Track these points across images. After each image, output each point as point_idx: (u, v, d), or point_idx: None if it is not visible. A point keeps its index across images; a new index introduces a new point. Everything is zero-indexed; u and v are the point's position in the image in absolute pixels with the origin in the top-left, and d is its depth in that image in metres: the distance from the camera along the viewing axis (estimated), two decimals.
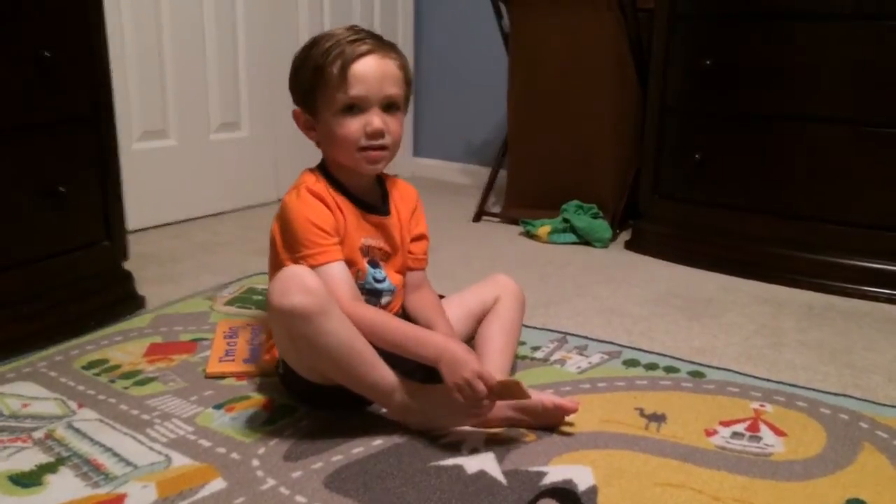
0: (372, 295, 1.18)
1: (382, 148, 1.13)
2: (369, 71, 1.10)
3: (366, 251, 1.17)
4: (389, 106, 1.13)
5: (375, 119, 1.11)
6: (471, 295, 1.29)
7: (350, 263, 1.14)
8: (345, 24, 2.86)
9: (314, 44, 1.13)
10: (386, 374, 1.07)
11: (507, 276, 1.31)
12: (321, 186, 1.14)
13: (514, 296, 1.28)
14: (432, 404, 1.08)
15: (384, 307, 1.19)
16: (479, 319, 1.28)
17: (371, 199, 1.19)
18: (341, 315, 1.03)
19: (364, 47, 1.10)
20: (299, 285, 1.01)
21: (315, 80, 1.11)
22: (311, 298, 1.00)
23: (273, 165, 2.56)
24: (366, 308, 1.09)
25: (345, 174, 1.16)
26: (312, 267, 1.07)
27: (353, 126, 1.11)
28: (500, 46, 2.46)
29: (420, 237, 1.27)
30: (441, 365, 1.03)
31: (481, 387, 1.01)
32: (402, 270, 1.24)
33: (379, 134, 1.11)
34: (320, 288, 1.02)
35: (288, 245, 1.11)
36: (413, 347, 1.06)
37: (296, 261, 1.08)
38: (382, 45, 1.13)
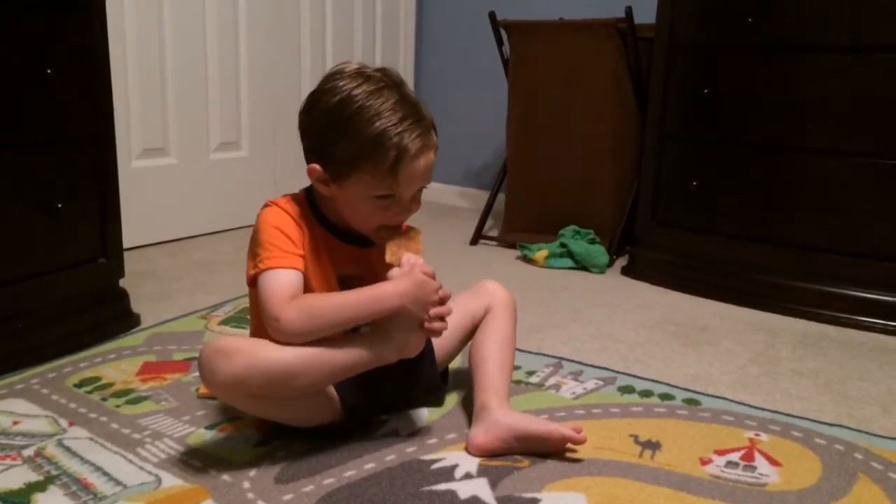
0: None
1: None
2: (418, 171, 1.07)
3: (343, 283, 1.14)
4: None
5: (405, 214, 1.11)
6: (459, 306, 1.25)
7: None
8: (346, 45, 2.88)
9: (358, 110, 1.04)
10: (349, 352, 1.04)
11: (497, 282, 1.28)
12: (294, 210, 1.11)
13: (506, 305, 1.26)
14: (394, 331, 1.07)
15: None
16: (469, 331, 1.25)
17: (355, 231, 1.15)
18: (273, 343, 1.01)
19: (418, 142, 1.05)
20: (217, 355, 0.98)
21: (360, 157, 1.04)
22: (235, 360, 0.98)
23: (272, 185, 2.57)
24: (302, 298, 1.03)
25: (335, 215, 1.13)
26: (269, 269, 1.04)
27: (382, 213, 1.09)
28: (500, 71, 2.48)
29: None
30: (405, 309, 1.05)
31: (441, 291, 1.08)
32: None
33: (405, 219, 1.12)
34: (235, 341, 1.01)
35: (252, 253, 1.09)
36: (368, 311, 1.04)
37: (256, 267, 1.05)
38: (429, 130, 1.08)
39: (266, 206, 1.12)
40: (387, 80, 1.09)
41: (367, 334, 1.08)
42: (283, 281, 1.03)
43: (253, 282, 1.06)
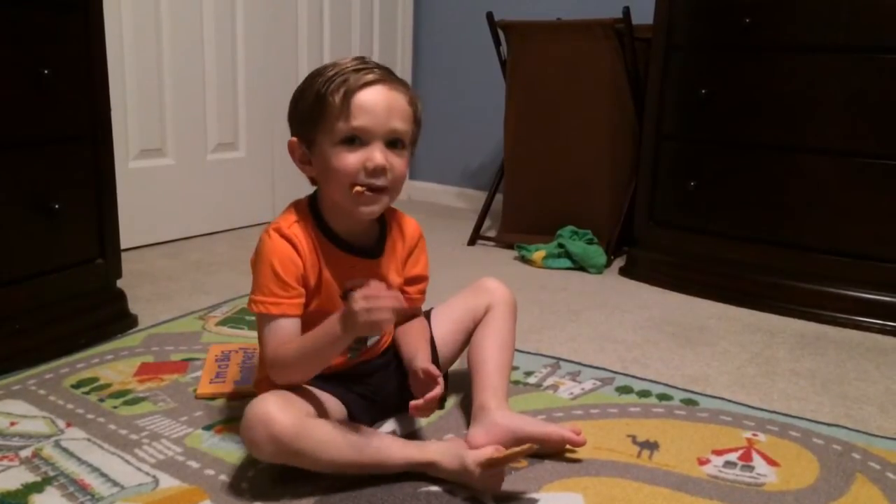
0: (357, 340, 1.11)
1: (380, 190, 1.04)
2: (375, 101, 1.02)
3: (349, 294, 1.09)
4: (394, 142, 1.04)
5: (377, 154, 1.02)
6: (460, 305, 1.25)
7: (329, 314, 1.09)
8: (343, 45, 2.90)
9: (318, 73, 1.06)
10: (397, 451, 1.03)
11: (496, 280, 1.27)
12: (297, 230, 1.06)
13: (506, 303, 1.24)
14: (450, 467, 1.02)
15: (370, 347, 1.16)
16: (470, 330, 1.24)
17: (363, 240, 1.11)
18: (321, 427, 0.99)
19: (370, 76, 1.02)
20: (265, 435, 0.95)
21: (315, 108, 1.03)
22: (282, 445, 0.95)
23: (270, 186, 2.57)
24: (287, 347, 1.03)
25: (337, 216, 1.09)
26: (266, 315, 1.04)
27: (351, 159, 1.02)
28: (497, 72, 2.48)
29: (417, 279, 1.20)
30: (344, 325, 0.96)
31: (371, 290, 0.95)
32: None
33: (380, 171, 1.02)
34: (289, 423, 0.95)
35: (253, 285, 1.06)
36: (331, 342, 0.99)
37: (253, 303, 1.04)
38: (391, 76, 1.06)
39: (266, 233, 1.07)
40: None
41: (410, 442, 1.06)
42: (278, 332, 1.03)
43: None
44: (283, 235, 1.06)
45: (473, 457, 0.99)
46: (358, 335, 1.01)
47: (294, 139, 1.09)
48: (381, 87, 1.03)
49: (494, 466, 0.99)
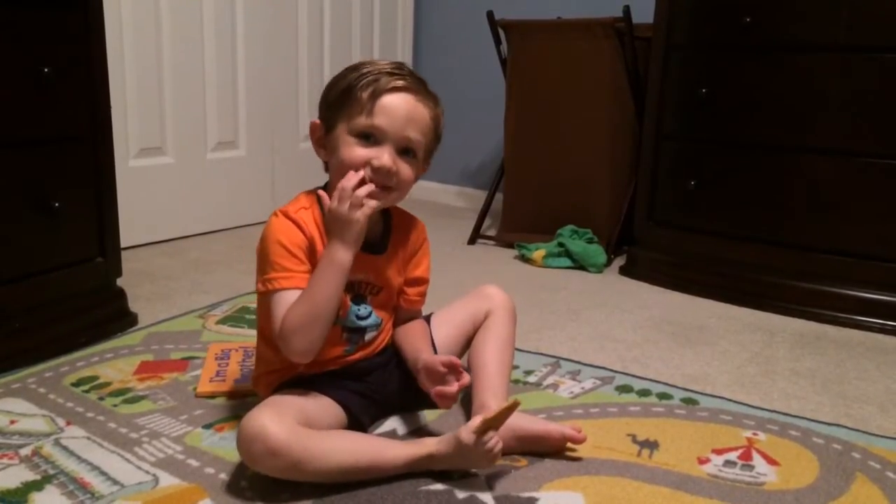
0: (355, 332, 1.13)
1: (385, 187, 1.07)
2: (398, 106, 1.06)
3: (350, 287, 1.11)
4: (407, 150, 1.08)
5: (385, 156, 1.05)
6: (460, 311, 1.26)
7: None
8: (343, 45, 2.90)
9: (354, 67, 1.10)
10: (395, 451, 1.02)
11: (497, 286, 1.28)
12: (305, 216, 1.08)
13: (506, 309, 1.25)
14: (448, 451, 1.02)
15: (368, 343, 1.16)
16: (470, 335, 1.25)
17: (367, 235, 1.07)
18: (319, 435, 0.99)
19: (401, 82, 1.07)
20: (263, 449, 0.94)
21: (342, 97, 1.08)
22: (280, 458, 0.94)
23: (269, 185, 2.56)
24: (295, 307, 1.02)
25: None
26: (275, 291, 1.04)
27: (360, 153, 1.05)
28: (498, 71, 2.48)
29: (417, 281, 1.21)
30: (337, 231, 1.03)
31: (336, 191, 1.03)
32: (392, 306, 1.20)
33: (385, 172, 1.05)
34: (285, 435, 0.95)
35: (259, 268, 1.07)
36: (332, 266, 1.02)
37: (263, 283, 1.05)
38: (422, 88, 1.10)
39: (274, 214, 1.09)
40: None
41: (407, 441, 1.06)
42: (289, 303, 1.03)
43: (262, 292, 1.07)
44: (289, 218, 1.08)
45: (467, 428, 1.00)
46: (353, 229, 1.02)
47: (317, 122, 1.13)
48: (407, 95, 1.07)
49: (489, 428, 0.99)
